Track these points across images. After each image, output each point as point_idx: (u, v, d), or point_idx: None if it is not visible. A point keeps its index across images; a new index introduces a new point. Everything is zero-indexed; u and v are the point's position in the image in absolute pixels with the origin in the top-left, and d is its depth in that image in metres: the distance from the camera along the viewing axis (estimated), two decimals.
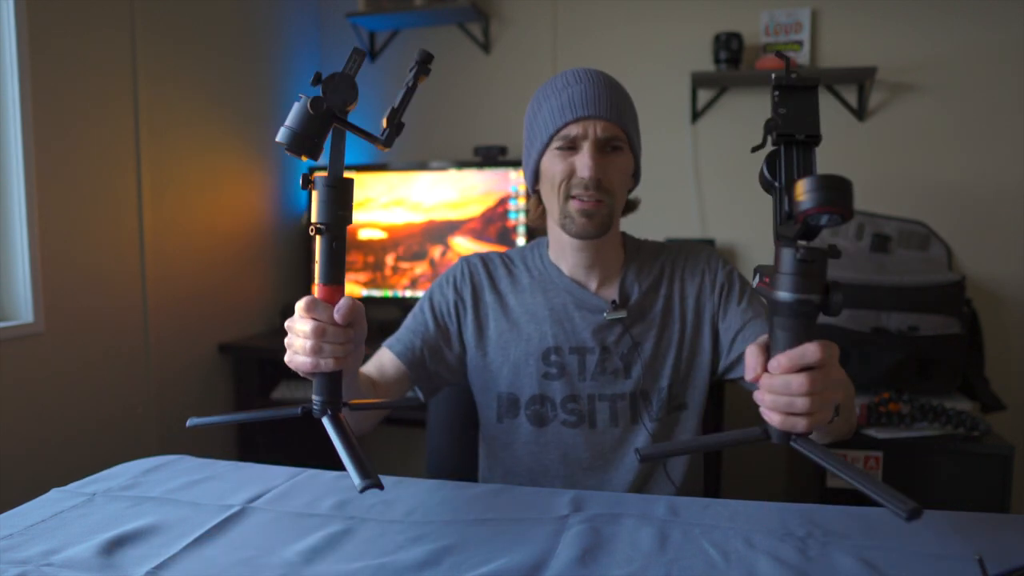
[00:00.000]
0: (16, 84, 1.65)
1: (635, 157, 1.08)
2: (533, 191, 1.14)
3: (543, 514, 0.82)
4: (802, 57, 2.31)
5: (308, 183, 0.74)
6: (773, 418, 0.68)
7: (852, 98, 2.34)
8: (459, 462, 1.28)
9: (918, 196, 2.29)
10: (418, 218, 2.50)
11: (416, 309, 1.18)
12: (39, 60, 1.71)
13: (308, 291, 2.63)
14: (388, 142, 0.76)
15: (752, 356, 0.70)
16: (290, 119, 0.74)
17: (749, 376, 0.70)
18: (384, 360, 1.13)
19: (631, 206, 1.16)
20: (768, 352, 0.69)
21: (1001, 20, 2.21)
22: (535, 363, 1.11)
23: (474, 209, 2.44)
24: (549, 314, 1.12)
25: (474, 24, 2.62)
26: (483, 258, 1.20)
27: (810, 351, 0.65)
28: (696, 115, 2.45)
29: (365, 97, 2.75)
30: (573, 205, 1.04)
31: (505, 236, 2.41)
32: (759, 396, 0.69)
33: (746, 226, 2.44)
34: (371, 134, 0.76)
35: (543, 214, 1.14)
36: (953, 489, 1.72)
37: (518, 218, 2.39)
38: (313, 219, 0.75)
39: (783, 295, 0.64)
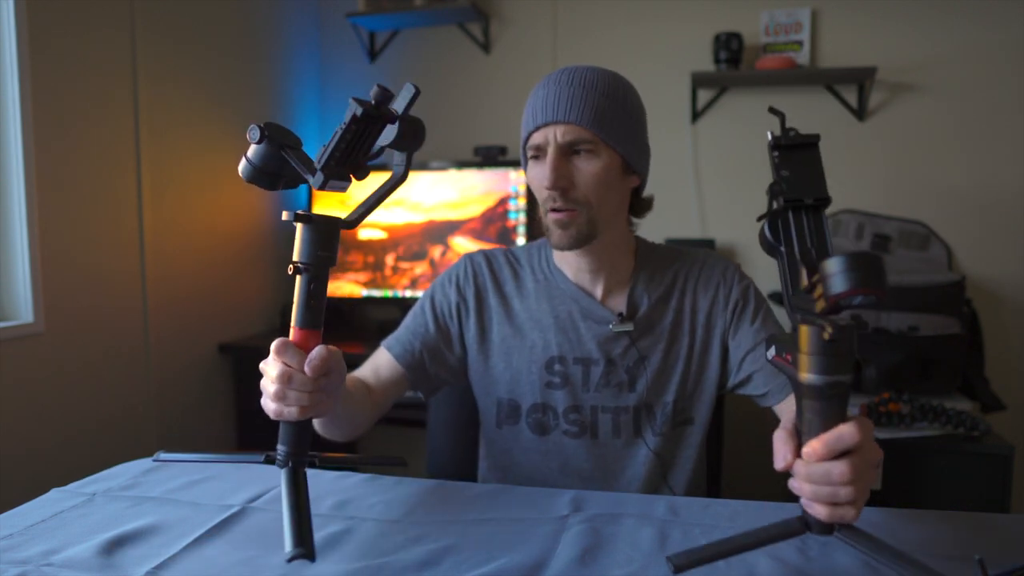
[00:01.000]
0: (16, 84, 1.65)
1: (624, 157, 1.00)
2: None
3: (543, 514, 0.82)
4: (802, 57, 2.31)
5: (297, 218, 0.71)
6: (819, 511, 0.62)
7: (852, 98, 2.34)
8: (459, 462, 1.27)
9: (918, 196, 2.29)
10: (418, 218, 2.50)
11: (416, 308, 1.15)
12: (39, 60, 1.71)
13: None
14: (321, 185, 0.70)
15: (781, 443, 0.65)
16: (248, 150, 0.72)
17: (779, 466, 0.65)
18: (381, 363, 1.10)
19: (646, 205, 1.11)
20: (797, 435, 0.64)
21: (1001, 20, 2.21)
22: (538, 372, 1.08)
23: (474, 209, 2.44)
24: (554, 322, 1.08)
25: (474, 24, 2.62)
26: (487, 257, 1.16)
27: (847, 434, 0.60)
28: (696, 115, 2.45)
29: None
30: (549, 217, 1.00)
31: (505, 236, 2.41)
32: (796, 486, 0.64)
33: (746, 226, 2.44)
34: (308, 173, 0.71)
35: None
36: (953, 489, 1.72)
37: (518, 218, 2.40)
38: (294, 257, 0.71)
39: (812, 378, 0.59)
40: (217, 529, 0.78)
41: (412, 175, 2.51)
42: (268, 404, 0.74)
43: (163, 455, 0.81)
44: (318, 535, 0.77)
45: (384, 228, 2.53)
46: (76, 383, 1.85)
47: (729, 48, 2.29)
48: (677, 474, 1.09)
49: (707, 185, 2.48)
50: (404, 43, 2.73)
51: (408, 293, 2.51)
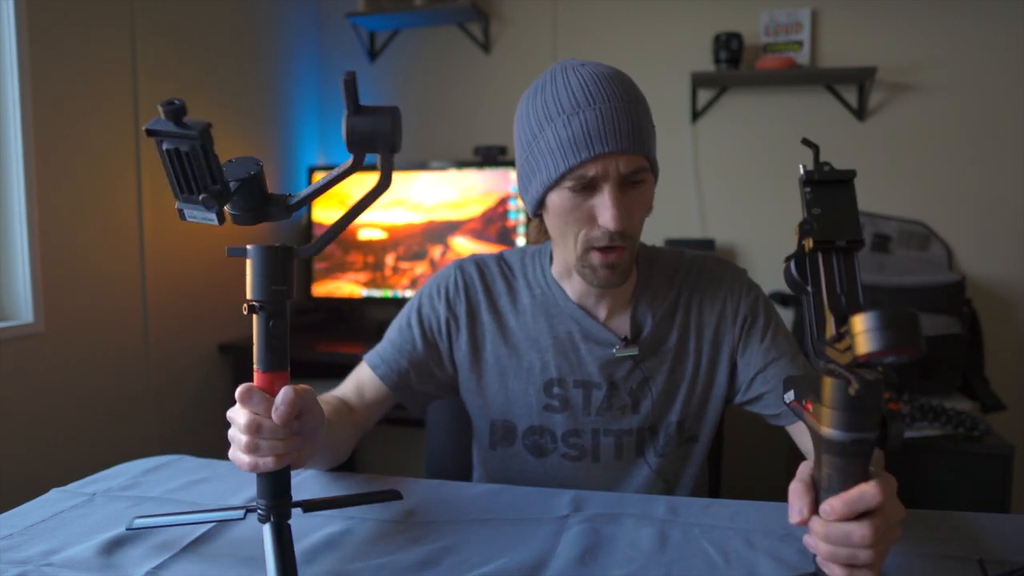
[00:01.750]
0: (16, 84, 1.65)
1: (655, 174, 0.93)
2: (535, 216, 0.98)
3: (543, 514, 0.82)
4: (802, 57, 2.31)
5: (238, 252, 0.67)
6: (836, 572, 0.59)
7: (852, 98, 2.34)
8: (459, 462, 1.27)
9: (918, 196, 2.29)
10: (418, 218, 2.50)
11: (403, 320, 1.06)
12: (39, 60, 1.71)
13: (308, 294, 2.63)
14: (182, 215, 0.64)
15: (797, 497, 0.61)
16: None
17: (795, 520, 0.61)
18: (364, 381, 1.04)
19: None
20: (814, 488, 0.61)
21: (1001, 20, 2.21)
22: (536, 394, 1.02)
23: (474, 209, 2.44)
24: (553, 343, 1.01)
25: (474, 24, 2.62)
26: (479, 267, 1.06)
27: (869, 494, 0.56)
28: (696, 115, 2.45)
29: (364, 98, 2.74)
30: (595, 257, 0.90)
31: (505, 236, 2.41)
32: (812, 544, 0.60)
33: (746, 226, 2.44)
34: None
35: (545, 231, 1.00)
36: (953, 489, 1.72)
37: (518, 218, 2.39)
38: (247, 295, 0.66)
39: (834, 434, 0.56)
40: (217, 529, 0.78)
41: (412, 175, 2.53)
42: (240, 457, 0.68)
43: (138, 521, 0.75)
44: (318, 535, 0.77)
45: (384, 228, 2.53)
46: (76, 383, 1.85)
47: (729, 48, 2.29)
48: (680, 490, 1.06)
49: (707, 185, 2.48)
50: (404, 43, 2.73)
51: (408, 293, 2.51)
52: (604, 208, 0.86)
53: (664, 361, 1.01)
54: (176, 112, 0.58)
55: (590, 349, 1.01)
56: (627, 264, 0.92)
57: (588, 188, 0.87)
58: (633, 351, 0.99)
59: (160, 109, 0.58)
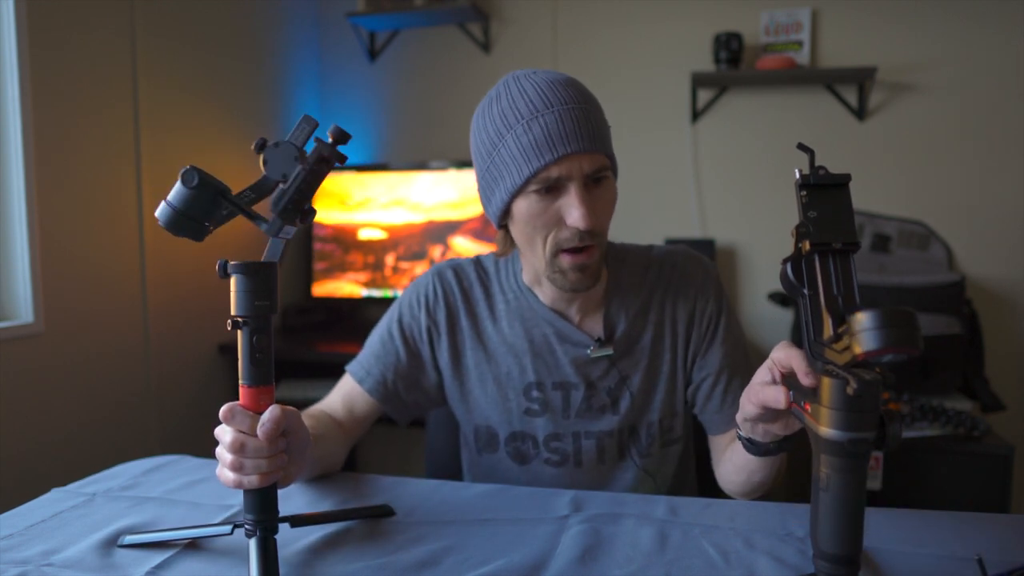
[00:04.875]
0: (16, 84, 1.65)
1: (615, 173, 0.95)
2: (500, 227, 0.98)
3: (543, 514, 0.83)
4: (802, 57, 2.31)
5: (225, 272, 0.68)
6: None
7: (852, 98, 2.34)
8: (459, 462, 1.27)
9: (918, 196, 2.29)
10: (418, 218, 2.50)
11: (384, 332, 1.06)
12: (39, 60, 1.71)
13: (308, 294, 2.63)
14: (273, 229, 0.69)
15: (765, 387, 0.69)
16: (171, 193, 0.66)
17: (782, 400, 0.67)
18: (353, 396, 1.05)
19: None
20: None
21: (1001, 20, 2.21)
22: (516, 398, 1.03)
23: (474, 209, 2.44)
24: (529, 346, 1.02)
25: (474, 24, 2.62)
26: (457, 273, 1.07)
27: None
28: (696, 115, 2.45)
29: (364, 98, 2.74)
30: (565, 260, 0.91)
31: None
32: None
33: (746, 226, 2.44)
34: (261, 219, 0.69)
35: (512, 243, 1.00)
36: (953, 489, 1.72)
37: None
38: (232, 311, 0.68)
39: (833, 434, 0.57)
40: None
41: (412, 175, 2.53)
42: (226, 474, 0.69)
43: (128, 539, 0.74)
44: (319, 535, 0.77)
45: (384, 228, 2.54)
46: (76, 383, 1.84)
47: (729, 48, 2.28)
48: (669, 492, 1.06)
49: (707, 185, 2.48)
50: (404, 43, 2.73)
51: None
52: (572, 207, 0.87)
53: (640, 359, 1.02)
54: (347, 137, 0.68)
55: (566, 350, 1.01)
56: (597, 265, 0.93)
57: (553, 190, 0.88)
58: (608, 351, 1.00)
59: (338, 129, 0.67)
